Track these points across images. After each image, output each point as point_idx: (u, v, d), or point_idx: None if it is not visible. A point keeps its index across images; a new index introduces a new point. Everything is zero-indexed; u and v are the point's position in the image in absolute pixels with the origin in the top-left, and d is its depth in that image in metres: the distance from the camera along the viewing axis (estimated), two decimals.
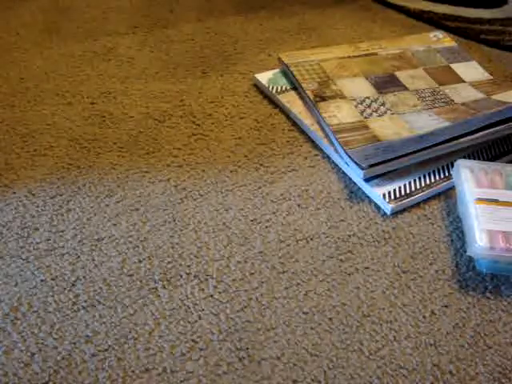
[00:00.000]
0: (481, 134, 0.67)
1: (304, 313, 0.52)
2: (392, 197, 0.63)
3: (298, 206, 0.63)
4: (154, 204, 0.62)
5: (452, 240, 0.60)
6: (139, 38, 0.91)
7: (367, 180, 0.64)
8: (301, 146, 0.71)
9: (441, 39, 0.89)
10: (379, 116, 0.72)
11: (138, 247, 0.58)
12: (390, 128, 0.70)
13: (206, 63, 0.86)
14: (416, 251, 0.58)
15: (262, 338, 0.50)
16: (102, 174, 0.66)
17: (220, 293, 0.54)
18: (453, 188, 0.65)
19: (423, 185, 0.64)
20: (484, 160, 0.68)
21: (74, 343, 0.49)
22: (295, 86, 0.79)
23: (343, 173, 0.67)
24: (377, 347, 0.50)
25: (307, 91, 0.76)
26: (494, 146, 0.70)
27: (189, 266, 0.56)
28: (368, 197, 0.64)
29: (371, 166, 0.64)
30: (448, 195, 0.65)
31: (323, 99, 0.74)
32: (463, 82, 0.80)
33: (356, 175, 0.65)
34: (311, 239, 0.59)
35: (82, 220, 0.60)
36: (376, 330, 0.51)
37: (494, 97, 0.76)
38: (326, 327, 0.51)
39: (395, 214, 0.62)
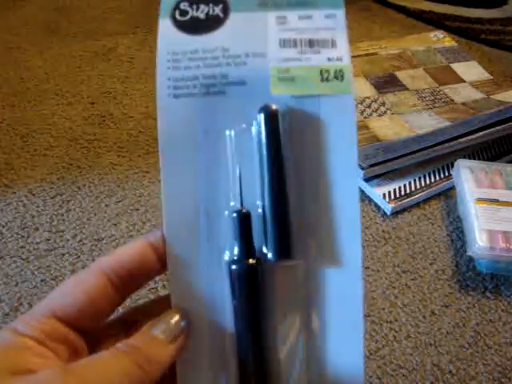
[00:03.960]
0: (481, 133, 0.67)
1: None
2: (392, 197, 0.63)
3: None
4: (154, 204, 0.62)
5: (452, 240, 0.60)
6: (139, 38, 0.91)
7: (367, 180, 0.64)
8: None
9: (441, 39, 0.89)
10: (379, 116, 0.72)
11: None
12: (389, 128, 0.70)
13: None
14: (416, 251, 0.58)
15: None
16: (102, 173, 0.66)
17: None
18: (453, 188, 0.65)
19: (423, 185, 0.64)
20: (484, 160, 0.68)
21: None
22: None
23: None
24: (377, 347, 0.50)
25: None
26: (494, 145, 0.70)
27: None
28: (368, 197, 0.64)
29: (371, 165, 0.64)
30: (448, 195, 0.65)
31: None
32: (463, 81, 0.80)
33: None
34: None
35: (82, 220, 0.60)
36: (376, 330, 0.51)
37: (493, 97, 0.76)
38: None
39: (395, 213, 0.62)
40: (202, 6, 0.27)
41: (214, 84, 0.27)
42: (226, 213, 0.27)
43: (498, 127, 0.67)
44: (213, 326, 0.27)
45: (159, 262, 0.27)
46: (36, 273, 0.55)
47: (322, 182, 0.27)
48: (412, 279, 0.56)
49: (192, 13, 0.27)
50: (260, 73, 0.27)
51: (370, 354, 0.49)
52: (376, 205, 0.63)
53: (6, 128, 0.72)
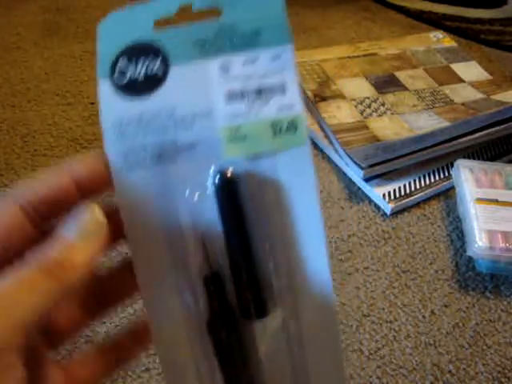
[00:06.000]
0: (481, 133, 0.67)
1: None
2: (392, 197, 0.63)
3: None
4: None
5: (452, 240, 0.60)
6: None
7: (367, 180, 0.64)
8: None
9: (441, 39, 0.89)
10: (379, 116, 0.72)
11: None
12: (389, 128, 0.70)
13: None
14: (416, 251, 0.58)
15: None
16: None
17: None
18: (453, 188, 0.65)
19: (423, 185, 0.64)
20: (484, 160, 0.68)
21: (75, 343, 0.49)
22: None
23: (343, 173, 0.67)
24: (377, 347, 0.50)
25: (307, 91, 0.76)
26: (494, 145, 0.70)
27: None
28: (368, 197, 0.64)
29: (371, 165, 0.64)
30: (448, 195, 0.65)
31: (323, 99, 0.74)
32: (463, 82, 0.81)
33: (356, 175, 0.65)
34: None
35: None
36: (376, 330, 0.51)
37: (493, 97, 0.77)
38: None
39: (395, 213, 0.62)
40: (140, 61, 0.26)
41: (164, 152, 0.25)
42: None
43: (498, 127, 0.67)
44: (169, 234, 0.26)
45: (79, 193, 0.25)
46: None
47: (289, 243, 0.26)
48: (412, 279, 0.56)
49: (130, 72, 0.26)
50: (209, 134, 0.25)
51: (370, 353, 0.49)
52: (376, 205, 0.63)
53: (6, 128, 0.72)
